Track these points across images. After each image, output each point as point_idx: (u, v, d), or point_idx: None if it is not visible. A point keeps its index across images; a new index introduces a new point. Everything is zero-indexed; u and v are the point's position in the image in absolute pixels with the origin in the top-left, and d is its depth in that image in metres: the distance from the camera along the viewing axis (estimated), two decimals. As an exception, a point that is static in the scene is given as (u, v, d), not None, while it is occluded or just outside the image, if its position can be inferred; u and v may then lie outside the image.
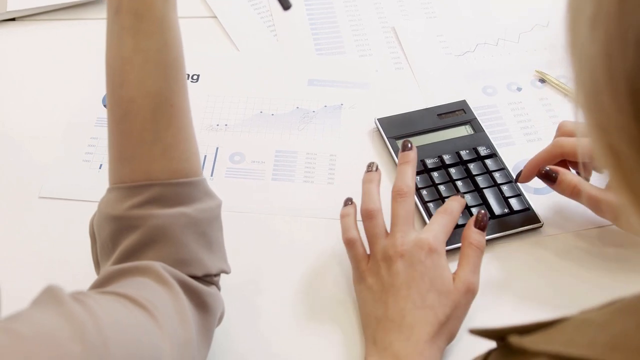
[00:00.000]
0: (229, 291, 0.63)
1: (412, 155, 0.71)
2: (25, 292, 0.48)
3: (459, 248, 0.68)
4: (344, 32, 0.99)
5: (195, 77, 0.91)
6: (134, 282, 0.53)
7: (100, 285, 0.54)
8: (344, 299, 0.69)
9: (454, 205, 0.70)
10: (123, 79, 0.56)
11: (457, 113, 0.84)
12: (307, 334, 0.67)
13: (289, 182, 0.80)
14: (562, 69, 0.90)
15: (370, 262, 0.67)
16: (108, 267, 0.56)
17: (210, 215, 0.59)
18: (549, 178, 0.70)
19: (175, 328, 0.51)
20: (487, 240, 0.70)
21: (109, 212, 0.57)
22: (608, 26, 0.30)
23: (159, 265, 0.54)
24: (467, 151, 0.79)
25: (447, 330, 0.63)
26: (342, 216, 0.69)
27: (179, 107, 0.58)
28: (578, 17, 0.32)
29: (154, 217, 0.55)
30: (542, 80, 0.90)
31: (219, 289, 0.60)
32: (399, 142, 0.81)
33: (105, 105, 0.86)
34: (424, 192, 0.76)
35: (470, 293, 0.64)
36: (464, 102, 0.85)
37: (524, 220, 0.74)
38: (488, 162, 0.78)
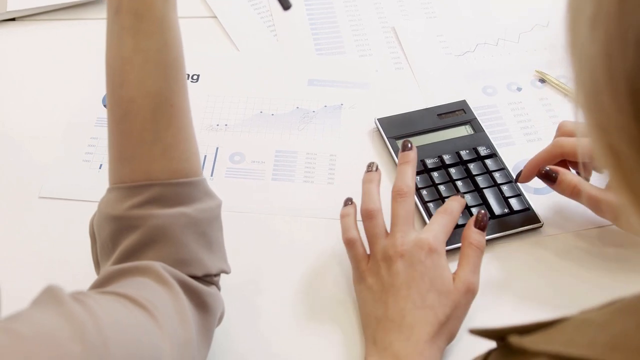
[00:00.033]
0: (229, 291, 0.63)
1: (412, 155, 0.71)
2: (25, 292, 0.48)
3: (459, 248, 0.68)
4: (344, 32, 0.99)
5: (195, 77, 0.91)
6: (134, 282, 0.53)
7: (100, 285, 0.54)
8: (344, 299, 0.69)
9: (453, 205, 0.70)
10: (123, 79, 0.56)
11: (457, 113, 0.84)
12: (307, 334, 0.67)
13: (289, 182, 0.80)
14: (562, 69, 0.90)
15: (370, 262, 0.67)
16: (108, 267, 0.56)
17: (210, 215, 0.59)
18: (549, 178, 0.70)
19: (175, 328, 0.51)
20: (487, 240, 0.70)
21: (109, 212, 0.57)
22: (608, 26, 0.30)
23: (159, 265, 0.54)
24: (467, 151, 0.79)
25: (447, 330, 0.63)
26: (342, 216, 0.69)
27: (179, 107, 0.58)
28: (578, 17, 0.32)
29: (154, 217, 0.55)
30: (542, 80, 0.90)
31: (219, 289, 0.60)
32: (399, 142, 0.81)
33: (105, 105, 0.86)
34: (424, 192, 0.76)
35: (470, 293, 0.64)
36: (464, 102, 0.85)
37: (524, 220, 0.74)
38: (488, 162, 0.78)
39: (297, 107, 0.88)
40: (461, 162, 0.78)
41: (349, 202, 0.71)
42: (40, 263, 0.72)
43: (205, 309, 0.57)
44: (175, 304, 0.53)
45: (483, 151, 0.79)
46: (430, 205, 0.75)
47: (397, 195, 0.67)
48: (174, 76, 0.58)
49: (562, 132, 0.73)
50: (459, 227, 0.71)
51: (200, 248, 0.57)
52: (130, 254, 0.56)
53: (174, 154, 0.57)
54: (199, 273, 0.57)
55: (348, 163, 0.81)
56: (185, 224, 0.56)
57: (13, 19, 1.00)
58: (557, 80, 0.89)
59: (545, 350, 0.37)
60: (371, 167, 0.72)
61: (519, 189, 0.76)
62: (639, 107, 0.30)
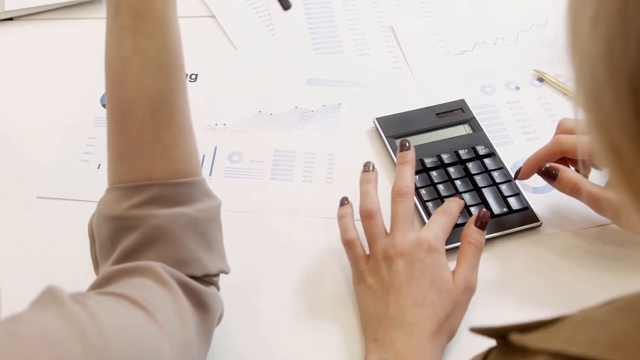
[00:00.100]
0: (228, 291, 0.63)
1: (411, 155, 0.71)
2: (24, 292, 0.48)
3: (458, 247, 0.68)
4: (342, 32, 0.99)
5: (193, 76, 0.91)
6: (133, 283, 0.53)
7: (99, 285, 0.54)
8: (344, 298, 0.69)
9: (452, 205, 0.70)
10: (123, 78, 0.56)
11: (456, 112, 0.84)
12: (306, 334, 0.67)
13: (287, 182, 0.80)
14: (560, 68, 0.90)
15: (370, 261, 0.67)
16: (107, 268, 0.55)
17: (209, 215, 0.58)
18: (549, 175, 0.70)
19: (175, 328, 0.51)
20: (487, 240, 0.70)
21: (108, 212, 0.57)
22: (609, 25, 0.30)
23: (158, 266, 0.54)
24: (466, 150, 0.79)
25: (447, 328, 0.63)
26: (340, 217, 0.69)
27: (179, 107, 0.58)
28: (579, 16, 0.32)
29: (153, 217, 0.55)
30: (541, 79, 0.90)
31: (218, 289, 0.60)
32: (398, 142, 0.81)
33: (103, 105, 0.87)
34: (423, 192, 0.76)
35: (469, 291, 0.65)
36: (462, 101, 0.85)
37: (523, 219, 0.74)
38: (487, 161, 0.78)
39: (296, 107, 0.88)
40: (460, 162, 0.78)
41: (345, 201, 0.71)
42: (39, 263, 0.72)
43: (204, 309, 0.56)
44: (175, 304, 0.53)
45: (482, 150, 0.79)
46: (429, 204, 0.75)
47: (396, 195, 0.68)
48: (174, 76, 0.57)
49: (562, 129, 0.73)
50: (458, 226, 0.71)
51: (199, 248, 0.57)
52: (130, 254, 0.56)
53: (173, 154, 0.57)
54: (199, 273, 0.57)
55: (347, 162, 0.81)
56: (184, 224, 0.56)
57: (11, 19, 0.99)
58: (555, 79, 0.89)
59: (546, 348, 0.37)
60: (368, 167, 0.72)
61: (517, 188, 0.76)
62: None
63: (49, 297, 0.46)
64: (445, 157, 0.78)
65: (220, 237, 0.60)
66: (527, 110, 0.87)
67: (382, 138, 0.82)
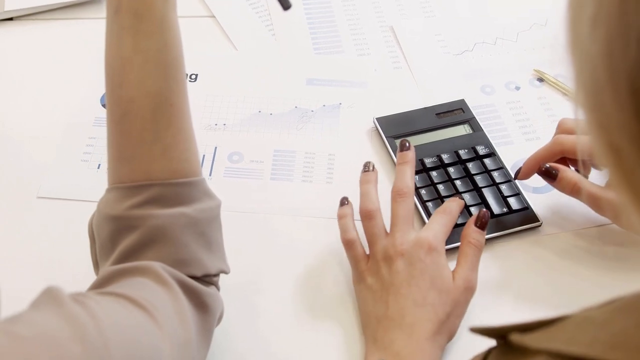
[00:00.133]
0: (228, 291, 0.63)
1: (411, 155, 0.71)
2: (24, 292, 0.48)
3: (458, 247, 0.68)
4: (342, 32, 0.99)
5: (193, 76, 0.91)
6: (133, 283, 0.53)
7: (99, 285, 0.54)
8: (344, 298, 0.69)
9: (452, 205, 0.70)
10: (123, 78, 0.56)
11: (456, 112, 0.84)
12: (306, 334, 0.67)
13: (287, 182, 0.80)
14: (560, 68, 0.90)
15: (370, 261, 0.67)
16: (107, 268, 0.55)
17: (209, 215, 0.58)
18: (549, 175, 0.70)
19: (175, 328, 0.51)
20: (486, 240, 0.70)
21: (108, 212, 0.57)
22: (609, 25, 0.30)
23: (158, 266, 0.54)
24: (466, 150, 0.79)
25: (447, 328, 0.63)
26: (340, 217, 0.69)
27: (179, 107, 0.58)
28: (579, 16, 0.32)
29: (153, 217, 0.55)
30: (541, 79, 0.90)
31: (218, 289, 0.60)
32: (398, 142, 0.81)
33: (103, 105, 0.87)
34: (423, 192, 0.76)
35: (469, 291, 0.65)
36: (462, 101, 0.85)
37: (523, 219, 0.74)
38: (487, 161, 0.78)
39: (296, 107, 0.88)
40: (460, 162, 0.78)
41: (345, 201, 0.71)
42: (39, 263, 0.72)
43: (204, 309, 0.56)
44: (175, 304, 0.53)
45: (482, 150, 0.79)
46: (429, 204, 0.75)
47: (397, 195, 0.68)
48: (174, 76, 0.57)
49: (562, 129, 0.73)
50: (458, 226, 0.71)
51: (199, 248, 0.57)
52: (130, 254, 0.56)
53: (173, 154, 0.57)
54: (199, 273, 0.57)
55: (347, 162, 0.81)
56: (184, 224, 0.56)
57: (11, 19, 0.99)
58: (555, 79, 0.89)
59: (546, 348, 0.37)
60: (368, 167, 0.72)
61: (517, 188, 0.76)
62: None
63: (49, 297, 0.46)
64: (445, 157, 0.78)
65: (220, 237, 0.60)
66: (527, 110, 0.87)
67: (382, 138, 0.82)
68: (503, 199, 0.75)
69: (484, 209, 0.69)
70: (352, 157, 0.81)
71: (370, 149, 0.83)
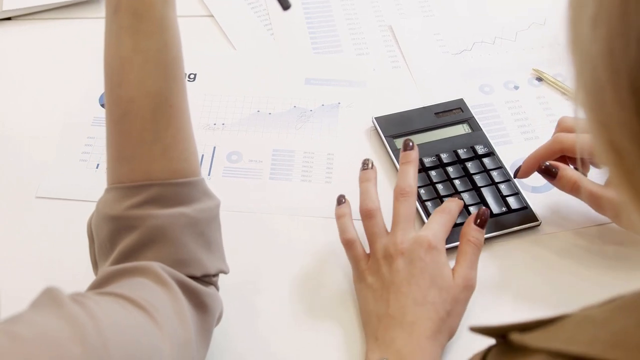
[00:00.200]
0: (227, 291, 0.63)
1: (414, 155, 0.71)
2: (23, 292, 0.48)
3: (458, 246, 0.68)
4: (341, 31, 0.98)
5: (192, 76, 0.91)
6: (132, 283, 0.53)
7: (98, 285, 0.54)
8: (343, 297, 0.69)
9: (451, 205, 0.70)
10: (122, 78, 0.56)
11: (455, 112, 0.84)
12: (306, 334, 0.67)
13: (286, 181, 0.80)
14: (559, 67, 0.90)
15: (371, 260, 0.67)
16: (106, 268, 0.55)
17: (209, 215, 0.58)
18: (549, 173, 0.70)
19: (175, 328, 0.51)
20: (485, 239, 0.70)
21: (107, 212, 0.57)
22: (610, 24, 0.30)
23: (157, 266, 0.54)
24: (465, 150, 0.79)
25: (447, 326, 0.63)
26: (339, 216, 0.69)
27: (178, 107, 0.58)
28: (579, 16, 0.32)
29: (152, 217, 0.55)
30: (539, 79, 0.90)
31: (217, 289, 0.60)
32: (397, 141, 0.81)
33: (102, 105, 0.86)
34: (422, 191, 0.76)
35: (468, 289, 0.65)
36: (461, 100, 0.85)
37: (522, 218, 0.74)
38: (486, 160, 0.78)
39: (295, 106, 0.88)
40: (459, 161, 0.78)
41: (342, 199, 0.71)
42: (38, 263, 0.72)
43: (204, 309, 0.56)
44: (174, 305, 0.53)
45: (480, 150, 0.79)
46: (428, 204, 0.75)
47: (399, 195, 0.68)
48: (174, 76, 0.57)
49: (562, 127, 0.73)
50: (458, 225, 0.71)
51: (199, 248, 0.57)
52: (129, 254, 0.56)
53: (173, 154, 0.57)
54: (198, 273, 0.57)
55: (346, 162, 0.81)
56: (184, 224, 0.56)
57: (9, 18, 0.99)
58: (554, 79, 0.89)
59: (546, 347, 0.37)
60: (367, 165, 0.72)
61: (516, 187, 0.76)
62: None
63: (49, 297, 0.46)
64: (444, 157, 0.78)
65: (219, 237, 0.60)
66: (526, 109, 0.87)
67: (381, 137, 0.82)
68: (502, 199, 0.75)
69: (484, 207, 0.69)
70: (351, 157, 0.81)
71: (369, 149, 0.83)
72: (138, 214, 0.55)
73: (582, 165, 0.72)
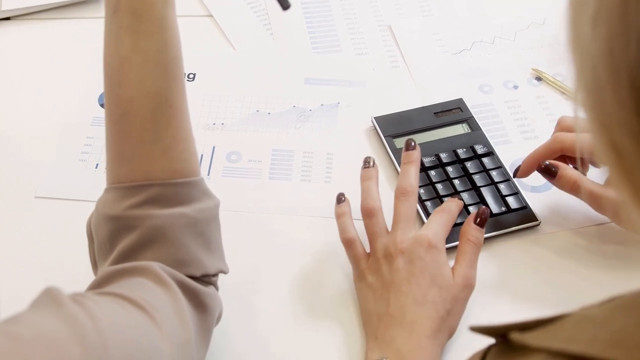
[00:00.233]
0: (227, 291, 0.63)
1: (416, 154, 0.71)
2: (22, 292, 0.48)
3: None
4: (340, 31, 0.98)
5: (191, 75, 0.91)
6: (132, 283, 0.53)
7: (98, 285, 0.54)
8: (343, 297, 0.69)
9: (451, 205, 0.70)
10: (122, 78, 0.56)
11: (454, 111, 0.84)
12: (305, 333, 0.67)
13: (286, 181, 0.80)
14: (558, 67, 0.90)
15: (371, 259, 0.67)
16: (106, 268, 0.55)
17: (208, 215, 0.58)
18: (549, 173, 0.70)
19: (175, 328, 0.51)
20: (485, 239, 0.70)
21: (106, 212, 0.57)
22: (610, 24, 0.30)
23: (157, 266, 0.54)
24: (464, 149, 0.79)
25: (447, 325, 0.63)
26: (338, 216, 0.69)
27: (178, 107, 0.58)
28: (579, 15, 0.32)
29: (152, 217, 0.55)
30: (539, 78, 0.90)
31: (217, 289, 0.60)
32: (396, 141, 0.81)
33: (101, 105, 0.86)
34: (421, 191, 0.76)
35: (468, 288, 0.65)
36: (460, 100, 0.85)
37: (522, 218, 0.74)
38: (485, 160, 0.78)
39: (294, 106, 0.88)
40: (458, 161, 0.78)
41: (342, 197, 0.71)
42: (37, 263, 0.72)
43: (203, 309, 0.56)
44: (174, 305, 0.53)
45: (480, 149, 0.79)
46: (428, 203, 0.75)
47: (400, 194, 0.68)
48: (173, 76, 0.57)
49: (561, 127, 0.73)
50: (458, 225, 0.71)
51: (198, 248, 0.57)
52: (128, 255, 0.55)
53: (173, 154, 0.57)
54: (197, 273, 0.57)
55: (345, 162, 0.81)
56: (183, 224, 0.56)
57: (8, 18, 0.99)
58: (553, 78, 0.89)
59: (546, 346, 0.37)
60: (368, 163, 0.71)
61: (516, 187, 0.76)
62: None
63: (48, 297, 0.46)
64: (444, 156, 0.78)
65: (219, 237, 0.60)
66: (525, 109, 0.87)
67: (380, 137, 0.82)
68: (501, 198, 0.75)
69: (483, 206, 0.69)
70: (351, 157, 0.81)
71: (368, 148, 0.83)
72: (138, 214, 0.55)
73: (581, 164, 0.72)
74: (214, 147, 0.83)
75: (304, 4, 1.02)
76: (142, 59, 0.56)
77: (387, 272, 0.64)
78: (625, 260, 0.71)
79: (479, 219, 0.67)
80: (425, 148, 0.79)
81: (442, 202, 0.74)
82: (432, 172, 0.77)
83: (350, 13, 1.01)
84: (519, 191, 0.76)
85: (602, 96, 0.31)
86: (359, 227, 0.69)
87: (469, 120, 0.83)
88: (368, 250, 0.68)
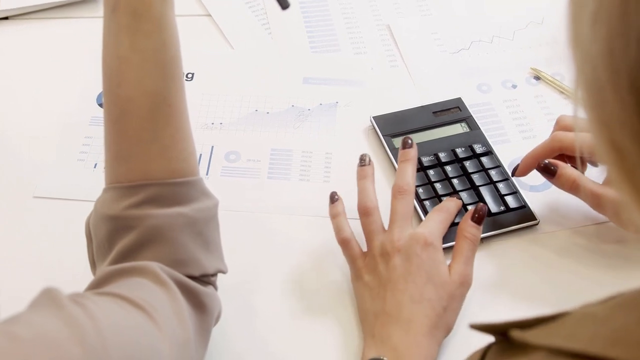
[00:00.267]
0: (225, 291, 0.62)
1: (413, 153, 0.71)
2: (21, 292, 0.48)
3: (457, 245, 0.68)
4: (339, 30, 0.98)
5: (190, 75, 0.91)
6: (131, 283, 0.53)
7: (96, 285, 0.54)
8: (341, 296, 0.69)
9: (449, 204, 0.70)
10: (120, 78, 0.56)
11: (453, 111, 0.84)
12: (304, 333, 0.67)
13: (284, 181, 0.80)
14: (557, 66, 0.90)
15: (367, 258, 0.67)
16: (104, 268, 0.55)
17: (207, 215, 0.58)
18: (548, 171, 0.70)
19: (174, 328, 0.51)
20: (484, 239, 0.70)
21: (105, 212, 0.56)
22: (610, 24, 0.30)
23: (156, 266, 0.54)
24: (463, 149, 0.79)
25: (444, 322, 0.63)
26: (333, 216, 0.69)
27: (177, 107, 0.58)
28: (579, 15, 0.32)
29: (151, 217, 0.55)
30: (537, 78, 0.90)
31: (215, 288, 0.60)
32: (395, 140, 0.81)
33: (100, 104, 0.86)
34: (420, 190, 0.76)
35: (464, 285, 0.65)
36: (459, 99, 0.85)
37: (520, 217, 0.74)
38: (484, 159, 0.78)
39: (293, 106, 0.88)
40: (457, 160, 0.78)
41: (335, 196, 0.70)
42: (36, 263, 0.72)
43: (202, 309, 0.56)
44: (173, 305, 0.53)
45: (479, 149, 0.79)
46: (427, 203, 0.75)
47: (397, 192, 0.68)
48: (172, 75, 0.57)
49: (560, 126, 0.73)
50: (456, 224, 0.71)
51: (197, 248, 0.57)
52: (127, 254, 0.55)
53: (171, 154, 0.57)
54: (196, 273, 0.57)
55: (344, 161, 0.81)
56: (182, 224, 0.56)
57: (6, 18, 0.99)
58: (552, 78, 0.89)
59: (546, 344, 0.37)
60: (364, 161, 0.71)
61: (514, 186, 0.76)
62: None
63: (48, 298, 0.46)
64: (443, 156, 0.78)
65: (217, 237, 0.60)
66: (524, 108, 0.87)
67: (379, 137, 0.82)
68: (500, 198, 0.75)
69: (481, 203, 0.69)
70: (349, 156, 0.81)
71: (367, 148, 0.83)
72: (136, 213, 0.55)
73: (580, 163, 0.72)
74: (212, 147, 0.83)
75: (302, 4, 1.02)
76: (141, 59, 0.56)
77: (383, 271, 0.65)
78: (625, 259, 0.71)
79: (476, 216, 0.67)
80: (424, 147, 0.79)
81: (440, 201, 0.74)
82: (431, 172, 0.77)
83: (348, 12, 1.01)
84: (518, 190, 0.76)
85: (602, 96, 0.31)
86: (356, 226, 0.69)
87: (468, 119, 0.83)
88: (365, 249, 0.68)
